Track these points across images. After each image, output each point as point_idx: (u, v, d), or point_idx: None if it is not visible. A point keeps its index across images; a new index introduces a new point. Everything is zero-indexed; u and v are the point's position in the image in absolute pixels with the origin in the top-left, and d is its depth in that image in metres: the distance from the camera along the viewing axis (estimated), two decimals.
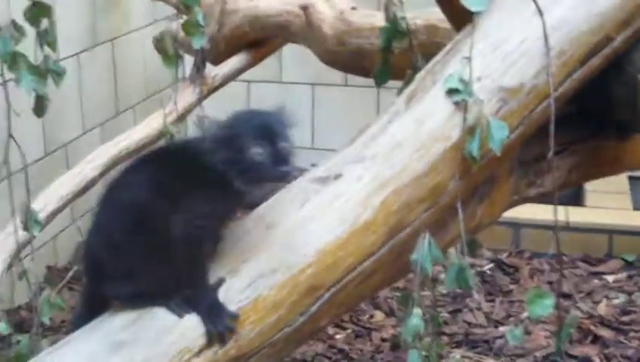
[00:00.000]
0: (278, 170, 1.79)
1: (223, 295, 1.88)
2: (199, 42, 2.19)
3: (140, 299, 1.90)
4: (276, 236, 1.95)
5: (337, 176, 1.98)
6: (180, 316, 1.87)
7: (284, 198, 2.00)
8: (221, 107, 4.65)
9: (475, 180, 2.01)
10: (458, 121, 1.92)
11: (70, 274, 3.96)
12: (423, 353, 2.12)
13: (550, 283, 3.62)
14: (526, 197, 2.23)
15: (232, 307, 1.87)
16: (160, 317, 1.87)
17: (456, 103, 1.92)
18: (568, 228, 3.95)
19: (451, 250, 2.00)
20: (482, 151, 1.90)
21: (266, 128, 1.81)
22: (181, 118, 3.21)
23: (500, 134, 1.90)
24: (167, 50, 2.38)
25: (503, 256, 4.05)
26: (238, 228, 2.00)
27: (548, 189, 2.19)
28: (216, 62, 3.62)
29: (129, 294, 1.90)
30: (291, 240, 1.94)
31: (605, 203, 4.25)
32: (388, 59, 2.38)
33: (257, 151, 1.78)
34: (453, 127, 1.92)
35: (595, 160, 2.28)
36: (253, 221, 1.99)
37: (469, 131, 1.90)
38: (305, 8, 3.20)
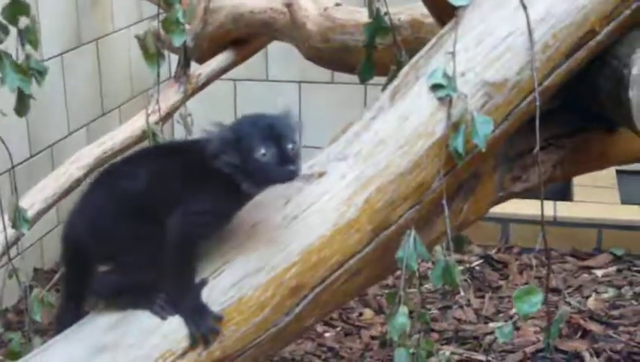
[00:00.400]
0: (285, 170, 1.79)
1: (206, 295, 1.85)
2: (180, 40, 2.16)
3: (123, 297, 1.87)
4: (260, 235, 1.93)
5: (321, 174, 1.96)
6: (163, 318, 1.84)
7: (267, 197, 1.97)
8: (207, 106, 4.67)
9: (459, 177, 1.99)
10: (442, 116, 1.90)
11: (57, 276, 3.93)
12: (411, 351, 2.11)
13: (539, 278, 3.61)
14: (511, 193, 2.21)
15: (215, 308, 1.85)
16: (143, 319, 1.85)
17: (440, 99, 1.90)
18: (556, 222, 3.95)
19: (437, 247, 1.98)
20: (467, 146, 1.88)
21: (272, 130, 1.81)
22: (166, 117, 3.19)
23: (485, 129, 1.88)
24: (149, 48, 2.36)
25: (492, 252, 4.04)
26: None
27: (533, 184, 2.17)
28: (201, 60, 3.60)
29: (114, 289, 1.88)
30: (275, 240, 1.91)
31: (593, 197, 4.25)
32: (372, 56, 2.36)
33: (263, 153, 1.78)
34: (437, 123, 1.90)
35: (580, 155, 2.26)
36: (236, 220, 1.96)
37: (454, 127, 1.88)
38: (289, 5, 3.18)
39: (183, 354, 1.83)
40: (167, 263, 1.84)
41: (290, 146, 1.81)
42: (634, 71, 1.92)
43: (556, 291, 3.59)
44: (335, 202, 1.93)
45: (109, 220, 1.88)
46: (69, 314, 1.96)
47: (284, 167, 1.80)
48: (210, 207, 1.84)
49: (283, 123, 1.85)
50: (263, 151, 1.79)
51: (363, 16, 2.64)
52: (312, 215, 1.92)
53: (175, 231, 1.82)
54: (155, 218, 1.83)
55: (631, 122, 1.93)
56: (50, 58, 3.90)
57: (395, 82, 2.00)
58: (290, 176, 1.81)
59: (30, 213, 2.79)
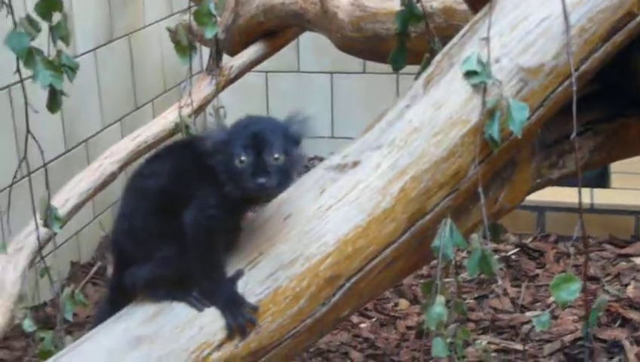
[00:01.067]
0: (254, 181, 1.75)
1: (242, 287, 1.85)
2: (211, 32, 2.16)
3: (159, 288, 1.88)
4: (294, 226, 1.92)
5: (355, 164, 1.95)
6: (200, 310, 1.85)
7: (301, 188, 1.97)
8: (239, 98, 4.67)
9: (495, 164, 1.96)
10: (477, 103, 1.88)
11: (94, 269, 3.96)
12: (448, 340, 2.09)
13: (577, 266, 3.57)
14: (548, 180, 2.17)
15: (252, 299, 1.84)
16: (179, 311, 1.85)
17: (475, 86, 1.88)
18: (593, 210, 3.91)
19: (474, 236, 1.96)
20: (503, 133, 1.86)
21: (257, 138, 1.78)
22: (198, 110, 3.19)
23: (521, 116, 1.85)
24: (181, 41, 2.35)
25: (528, 241, 4.01)
26: (256, 219, 1.98)
27: (571, 171, 2.14)
28: (233, 53, 3.60)
29: (147, 280, 1.89)
30: (310, 230, 1.91)
31: (631, 184, 4.19)
32: (404, 43, 2.34)
33: (242, 160, 1.76)
34: (472, 110, 1.88)
35: (618, 140, 2.22)
36: (271, 211, 1.96)
37: (489, 114, 1.85)
38: None
39: (220, 345, 1.83)
40: (192, 257, 1.84)
41: (274, 156, 1.76)
42: None
43: (594, 279, 3.55)
44: (370, 191, 1.91)
45: (141, 220, 1.90)
46: (108, 317, 1.97)
47: (255, 179, 1.75)
48: (217, 201, 1.83)
49: (274, 131, 1.80)
50: (242, 158, 1.76)
51: (395, 4, 2.61)
52: (347, 205, 1.91)
53: (188, 226, 1.83)
54: (180, 213, 1.84)
55: None
56: (83, 54, 3.92)
57: (429, 70, 1.98)
58: (258, 188, 1.76)
59: (65, 208, 2.82)
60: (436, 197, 1.91)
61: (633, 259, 3.79)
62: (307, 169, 2.06)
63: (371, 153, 1.95)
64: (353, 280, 1.90)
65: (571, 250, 3.86)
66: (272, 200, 1.95)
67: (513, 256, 3.89)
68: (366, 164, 1.94)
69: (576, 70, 1.87)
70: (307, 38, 4.30)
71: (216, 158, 1.80)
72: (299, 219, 1.93)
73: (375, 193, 1.90)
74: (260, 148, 1.77)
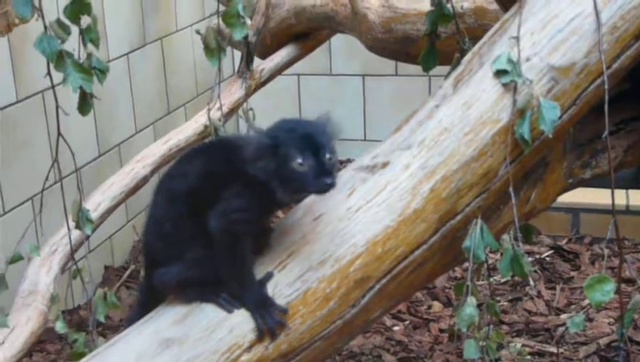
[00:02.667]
0: (321, 182, 1.76)
1: (271, 289, 1.85)
2: (240, 33, 2.15)
3: (189, 289, 1.88)
4: (324, 227, 1.92)
5: (385, 164, 1.94)
6: (229, 311, 1.84)
7: None
8: (271, 101, 4.67)
9: (526, 164, 1.94)
10: (507, 103, 1.86)
11: (127, 273, 3.99)
12: (481, 343, 2.07)
13: (612, 268, 3.52)
14: (581, 180, 2.15)
15: (281, 301, 1.84)
16: (209, 312, 1.85)
17: (505, 85, 1.86)
18: (629, 211, 3.86)
19: (505, 236, 1.94)
20: (534, 133, 1.84)
21: (310, 139, 1.78)
22: (230, 112, 3.20)
23: (552, 115, 1.83)
24: (210, 43, 2.36)
25: (563, 243, 3.96)
26: (285, 220, 1.98)
27: (603, 170, 2.12)
28: (264, 56, 3.60)
29: (177, 281, 1.89)
30: (339, 231, 1.90)
31: None
32: (435, 44, 2.33)
33: (301, 162, 1.76)
34: (503, 110, 1.86)
35: None
36: (300, 212, 1.96)
37: (520, 113, 1.84)
38: None
39: (250, 347, 1.83)
40: (219, 259, 1.85)
41: (327, 157, 1.77)
42: None
43: (630, 281, 3.50)
44: (400, 192, 1.90)
45: (170, 221, 1.91)
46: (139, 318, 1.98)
47: (321, 179, 1.76)
48: (244, 205, 1.82)
49: (322, 132, 1.81)
50: (300, 160, 1.76)
51: (425, 4, 2.60)
52: (377, 206, 1.90)
53: (214, 231, 1.82)
54: (207, 214, 1.84)
55: None
56: (115, 58, 3.95)
57: (459, 70, 1.97)
58: (326, 188, 1.77)
59: (97, 212, 2.84)
60: (467, 197, 1.89)
61: None
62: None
63: (401, 153, 1.94)
64: (383, 281, 1.89)
65: (606, 252, 3.80)
66: (303, 202, 1.95)
67: (547, 258, 3.85)
68: (396, 164, 1.93)
69: (607, 68, 1.85)
70: (339, 41, 4.30)
71: (259, 164, 1.78)
72: (329, 220, 1.92)
73: (405, 193, 1.89)
74: (316, 150, 1.76)
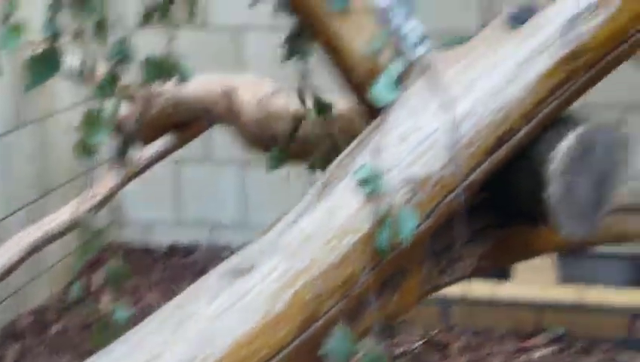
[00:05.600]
0: None
1: None
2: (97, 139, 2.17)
3: None
4: (190, 328, 1.93)
5: (250, 268, 1.97)
6: None
7: (197, 291, 1.98)
8: (148, 188, 4.65)
9: (386, 271, 2.02)
10: (369, 212, 1.94)
11: None
12: None
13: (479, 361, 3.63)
14: (439, 286, 2.24)
15: None
16: None
17: (367, 195, 1.94)
18: (495, 303, 3.99)
19: (366, 340, 2.00)
20: (392, 242, 1.92)
21: None
22: (104, 201, 3.19)
23: (410, 225, 1.92)
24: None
25: (434, 333, 4.06)
26: (152, 319, 1.98)
27: (460, 276, 2.21)
28: (145, 143, 3.62)
29: None
30: (205, 332, 1.92)
31: (532, 277, 4.30)
32: (287, 146, 2.41)
33: None
34: (364, 219, 1.94)
35: (506, 246, 2.31)
36: (165, 313, 1.96)
37: (379, 223, 1.92)
38: (227, 94, 3.22)
39: None
40: None
41: None
42: (551, 167, 1.98)
43: None
44: (264, 295, 1.94)
45: None
46: None
47: None
48: None
49: None
50: None
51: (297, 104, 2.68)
52: (242, 308, 1.93)
53: None
54: None
55: (547, 219, 1.99)
56: None
57: (323, 179, 2.04)
58: None
59: None
60: (328, 302, 1.94)
61: (533, 352, 3.88)
62: (220, 259, 2.08)
63: (267, 257, 1.98)
64: None
65: (475, 343, 3.93)
66: (167, 303, 1.96)
67: (417, 350, 3.93)
68: (261, 268, 1.97)
69: (462, 181, 1.95)
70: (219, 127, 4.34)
71: None
72: (195, 321, 1.93)
73: (269, 297, 1.93)
74: None
